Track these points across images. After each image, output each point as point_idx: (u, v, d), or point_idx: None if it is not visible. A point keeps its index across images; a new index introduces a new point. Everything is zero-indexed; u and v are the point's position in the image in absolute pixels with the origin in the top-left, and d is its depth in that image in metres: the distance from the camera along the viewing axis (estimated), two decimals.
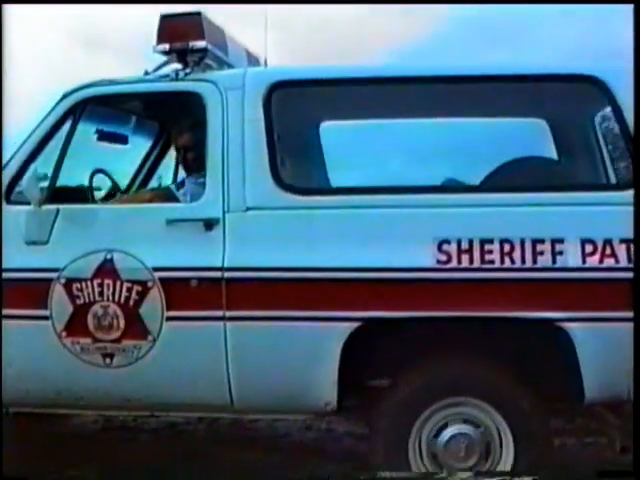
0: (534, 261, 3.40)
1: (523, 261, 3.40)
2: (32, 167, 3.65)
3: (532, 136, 4.50)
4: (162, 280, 3.59)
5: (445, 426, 3.55)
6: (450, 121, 4.41)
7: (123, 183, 4.58)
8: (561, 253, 3.39)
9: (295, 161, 3.91)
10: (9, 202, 3.79)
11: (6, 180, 3.80)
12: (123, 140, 4.59)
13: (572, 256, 3.38)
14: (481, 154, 4.29)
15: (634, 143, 3.44)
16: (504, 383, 3.53)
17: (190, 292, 3.57)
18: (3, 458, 3.65)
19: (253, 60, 4.51)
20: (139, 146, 4.69)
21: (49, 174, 3.74)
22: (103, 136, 4.39)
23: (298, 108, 4.06)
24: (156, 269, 3.60)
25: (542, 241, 3.40)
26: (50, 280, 3.67)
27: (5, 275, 3.71)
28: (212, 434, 5.03)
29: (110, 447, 4.82)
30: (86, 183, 4.18)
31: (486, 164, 3.90)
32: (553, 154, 4.42)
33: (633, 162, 3.44)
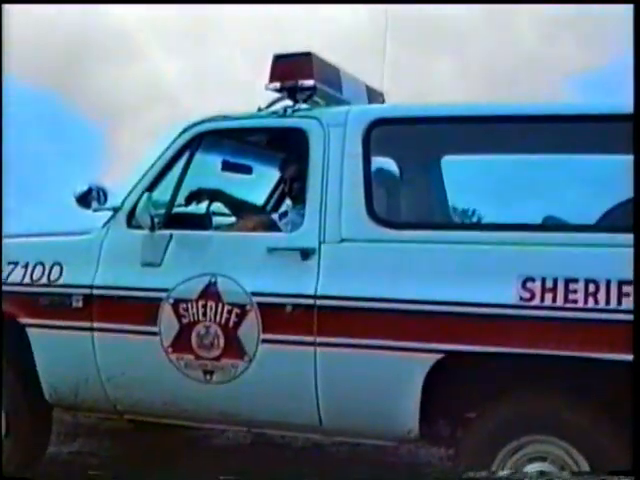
0: (619, 302, 3.39)
1: (607, 302, 3.40)
2: (145, 196, 3.99)
3: None
4: (259, 304, 3.83)
5: (526, 463, 3.56)
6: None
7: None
8: None
9: (390, 195, 4.06)
10: (130, 226, 4.15)
11: (128, 206, 4.17)
12: (247, 170, 4.88)
13: None
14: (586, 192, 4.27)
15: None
16: (587, 424, 3.49)
17: (285, 317, 3.78)
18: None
19: (375, 96, 4.69)
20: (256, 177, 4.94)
21: (164, 201, 4.09)
22: (228, 166, 4.70)
23: (397, 144, 4.21)
24: (255, 294, 3.83)
25: (629, 283, 3.38)
26: (160, 299, 3.98)
27: (122, 293, 4.08)
28: (354, 457, 5.14)
29: (253, 462, 5.06)
30: (201, 210, 4.48)
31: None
32: None
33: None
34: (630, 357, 3.30)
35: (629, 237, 3.41)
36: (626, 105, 3.67)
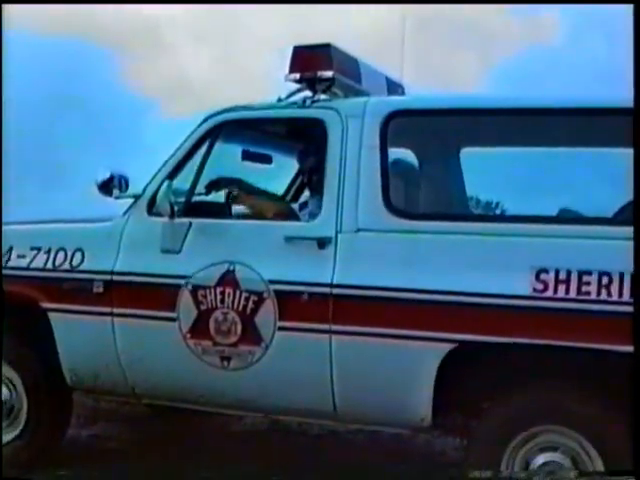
0: (632, 295, 3.39)
1: (620, 294, 3.42)
2: (165, 184, 4.05)
3: None
4: (276, 292, 3.88)
5: (537, 453, 3.59)
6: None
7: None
8: None
9: (407, 186, 4.10)
10: (150, 214, 4.22)
11: (149, 194, 4.23)
12: (267, 160, 4.94)
13: None
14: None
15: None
16: (598, 415, 3.52)
17: (301, 305, 3.83)
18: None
19: (395, 87, 4.72)
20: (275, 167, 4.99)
21: (184, 190, 4.15)
22: (248, 156, 4.76)
23: (415, 136, 4.24)
24: (272, 282, 3.89)
25: None
26: (179, 286, 4.05)
27: (142, 279, 4.15)
28: (370, 445, 5.18)
29: (270, 449, 5.15)
30: (221, 199, 4.53)
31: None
32: None
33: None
34: None
35: None
36: None
